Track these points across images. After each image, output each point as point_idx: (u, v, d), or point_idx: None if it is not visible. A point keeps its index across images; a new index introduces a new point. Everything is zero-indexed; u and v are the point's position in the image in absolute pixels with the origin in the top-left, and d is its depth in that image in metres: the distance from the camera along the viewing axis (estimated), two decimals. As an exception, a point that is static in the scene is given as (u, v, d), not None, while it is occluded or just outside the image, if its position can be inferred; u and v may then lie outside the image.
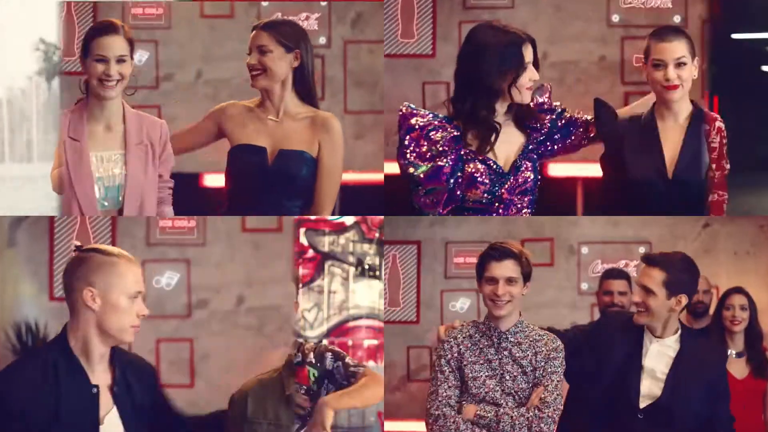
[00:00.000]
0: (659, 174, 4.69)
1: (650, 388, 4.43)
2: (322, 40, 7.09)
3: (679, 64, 4.64)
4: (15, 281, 6.56)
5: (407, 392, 6.87)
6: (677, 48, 4.65)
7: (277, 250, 6.51)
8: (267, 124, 4.90)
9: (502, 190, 4.64)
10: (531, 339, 4.36)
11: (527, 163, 4.68)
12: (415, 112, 4.65)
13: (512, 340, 4.34)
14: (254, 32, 4.89)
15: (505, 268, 4.31)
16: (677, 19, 6.98)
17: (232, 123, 4.93)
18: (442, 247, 6.89)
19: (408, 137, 4.62)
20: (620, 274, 5.92)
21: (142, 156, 4.70)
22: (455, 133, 4.59)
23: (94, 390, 3.89)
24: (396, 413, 6.31)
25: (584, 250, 6.79)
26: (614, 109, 4.86)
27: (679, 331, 4.51)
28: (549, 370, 4.32)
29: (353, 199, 6.33)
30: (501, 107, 4.62)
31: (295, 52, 4.88)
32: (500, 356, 4.33)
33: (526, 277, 4.36)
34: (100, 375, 3.94)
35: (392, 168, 5.65)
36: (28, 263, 6.58)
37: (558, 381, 4.34)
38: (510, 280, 4.31)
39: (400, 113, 4.67)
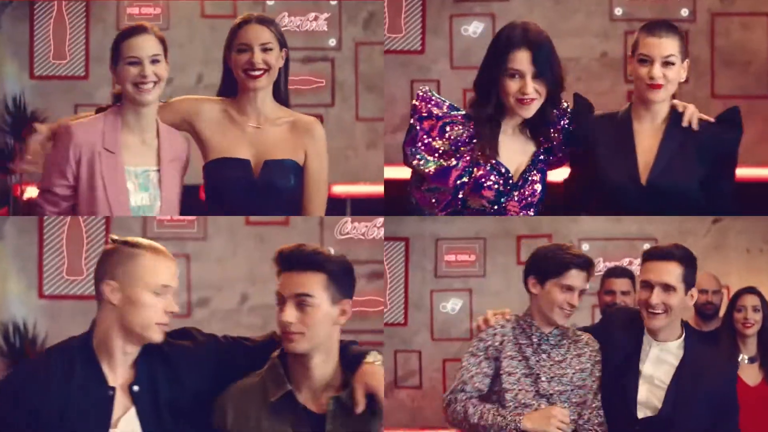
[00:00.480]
0: (631, 179, 4.32)
1: (648, 396, 4.04)
2: (332, 42, 6.89)
3: (667, 63, 4.22)
4: (2, 277, 6.30)
5: (395, 399, 6.57)
6: (667, 45, 4.24)
7: (283, 244, 5.93)
8: (246, 131, 4.43)
9: (509, 202, 4.30)
10: (571, 340, 4.09)
11: (536, 174, 4.35)
12: (433, 99, 4.27)
13: (552, 342, 4.07)
14: (249, 26, 4.41)
15: (584, 279, 4.04)
16: (685, 12, 6.80)
17: (209, 128, 4.43)
18: (432, 244, 6.67)
19: (420, 125, 4.25)
20: (623, 272, 5.57)
21: (176, 174, 4.34)
22: (472, 132, 4.24)
23: (110, 392, 3.60)
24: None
25: (585, 247, 6.47)
26: (592, 105, 4.47)
27: (683, 335, 4.11)
28: (597, 374, 4.06)
29: (360, 210, 6.35)
30: (509, 115, 4.27)
31: (284, 50, 4.45)
32: (538, 357, 4.04)
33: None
34: (124, 374, 3.65)
35: (391, 173, 5.66)
36: (16, 258, 6.33)
37: (600, 384, 4.09)
38: (583, 290, 4.04)
39: (417, 97, 4.28)
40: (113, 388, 3.61)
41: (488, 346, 4.05)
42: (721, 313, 5.49)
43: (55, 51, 6.82)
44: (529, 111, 4.21)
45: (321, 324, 3.63)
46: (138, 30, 4.25)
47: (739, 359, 5.15)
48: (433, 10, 6.81)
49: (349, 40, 6.87)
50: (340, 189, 6.56)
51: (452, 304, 6.64)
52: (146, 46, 4.22)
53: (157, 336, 3.63)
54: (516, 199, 4.31)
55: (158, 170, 4.31)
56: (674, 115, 4.33)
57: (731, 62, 6.79)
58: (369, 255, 6.37)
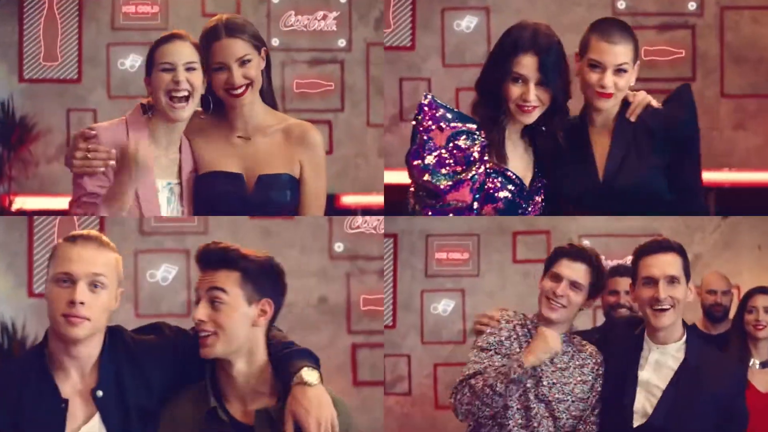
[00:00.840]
0: (591, 179, 4.13)
1: (644, 404, 3.88)
2: (342, 43, 6.70)
3: (619, 71, 4.02)
4: (-12, 274, 6.23)
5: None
6: (621, 53, 4.03)
7: (290, 239, 6.06)
8: (234, 143, 4.17)
9: (528, 211, 4.15)
10: (575, 349, 3.96)
11: (542, 181, 4.19)
12: (439, 107, 4.04)
13: None
14: (220, 43, 4.11)
15: (575, 271, 3.91)
16: (692, 6, 6.70)
17: (196, 137, 4.20)
18: (422, 241, 6.47)
19: (427, 136, 4.03)
20: (627, 270, 5.03)
21: (190, 187, 4.20)
22: (484, 142, 4.04)
23: (63, 405, 3.41)
24: (369, 432, 5.90)
25: (586, 243, 5.99)
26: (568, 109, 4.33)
27: (684, 336, 3.93)
28: (597, 388, 3.92)
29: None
30: (512, 120, 4.08)
31: (262, 51, 4.19)
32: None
33: (593, 290, 3.96)
34: (85, 379, 3.46)
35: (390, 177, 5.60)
36: (3, 255, 6.18)
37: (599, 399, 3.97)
38: (575, 285, 3.90)
39: (421, 105, 4.05)
40: (66, 400, 3.43)
41: (498, 341, 3.93)
42: (731, 314, 5.25)
43: (46, 52, 6.64)
44: (530, 118, 4.04)
45: (237, 325, 3.45)
46: (173, 37, 4.08)
47: (750, 364, 4.91)
48: (423, 3, 6.64)
49: (360, 40, 6.68)
50: (349, 200, 6.49)
51: (444, 305, 6.45)
52: (181, 52, 4.04)
53: (68, 331, 3.39)
54: (530, 210, 4.17)
55: (179, 183, 4.15)
56: (625, 108, 4.14)
57: (741, 59, 6.63)
58: (380, 251, 6.33)
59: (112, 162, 3.96)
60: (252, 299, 3.45)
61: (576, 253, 3.92)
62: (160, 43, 4.06)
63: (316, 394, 3.35)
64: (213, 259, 3.45)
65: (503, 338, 3.92)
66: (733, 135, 6.72)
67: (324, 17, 6.64)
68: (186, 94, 4.01)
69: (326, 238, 6.26)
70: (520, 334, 3.93)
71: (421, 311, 6.46)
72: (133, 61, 6.65)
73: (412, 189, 4.12)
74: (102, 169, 3.95)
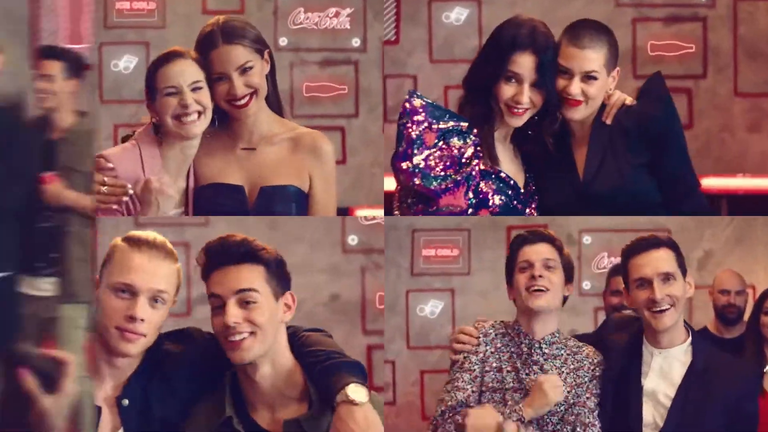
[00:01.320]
0: (573, 185, 4.06)
1: (653, 416, 3.74)
2: (356, 42, 6.39)
3: (589, 78, 3.91)
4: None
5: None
6: (590, 58, 3.91)
7: (297, 233, 5.83)
8: (237, 154, 4.01)
9: (526, 214, 4.12)
10: (570, 351, 3.83)
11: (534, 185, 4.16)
12: (427, 105, 3.91)
13: (546, 351, 3.81)
14: (217, 51, 3.94)
15: (541, 251, 3.83)
16: None
17: (199, 152, 4.04)
18: (407, 236, 6.22)
19: (415, 135, 3.89)
20: None
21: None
22: (476, 141, 3.96)
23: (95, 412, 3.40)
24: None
25: (586, 239, 6.06)
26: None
27: (689, 339, 3.80)
28: (594, 390, 3.77)
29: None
30: (501, 120, 4.01)
31: (265, 54, 3.99)
32: (529, 370, 3.80)
33: (567, 270, 3.86)
34: (114, 387, 3.42)
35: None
36: None
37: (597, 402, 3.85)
38: (548, 265, 3.81)
39: (406, 102, 3.92)
40: (98, 408, 3.38)
41: (481, 359, 3.80)
42: (746, 316, 5.12)
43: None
44: (519, 121, 3.95)
45: (270, 323, 3.32)
46: (172, 56, 3.92)
47: (766, 370, 4.75)
48: (409, -6, 6.63)
49: (375, 39, 6.39)
50: (364, 213, 6.28)
51: (431, 307, 6.21)
52: (185, 71, 3.87)
53: (118, 343, 3.31)
54: (527, 214, 4.12)
55: (185, 212, 4.07)
56: (602, 110, 4.02)
57: (756, 54, 6.31)
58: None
59: (126, 198, 3.85)
60: (277, 294, 3.33)
61: (532, 236, 3.84)
62: (159, 65, 3.91)
63: (364, 414, 3.18)
64: (234, 252, 3.32)
65: (480, 354, 3.80)
66: (747, 137, 6.45)
67: (336, 14, 6.35)
68: (196, 117, 3.88)
69: (339, 230, 6.07)
70: (499, 345, 3.81)
71: (407, 313, 6.25)
72: (127, 63, 6.40)
73: (397, 194, 3.98)
74: (116, 206, 3.85)
